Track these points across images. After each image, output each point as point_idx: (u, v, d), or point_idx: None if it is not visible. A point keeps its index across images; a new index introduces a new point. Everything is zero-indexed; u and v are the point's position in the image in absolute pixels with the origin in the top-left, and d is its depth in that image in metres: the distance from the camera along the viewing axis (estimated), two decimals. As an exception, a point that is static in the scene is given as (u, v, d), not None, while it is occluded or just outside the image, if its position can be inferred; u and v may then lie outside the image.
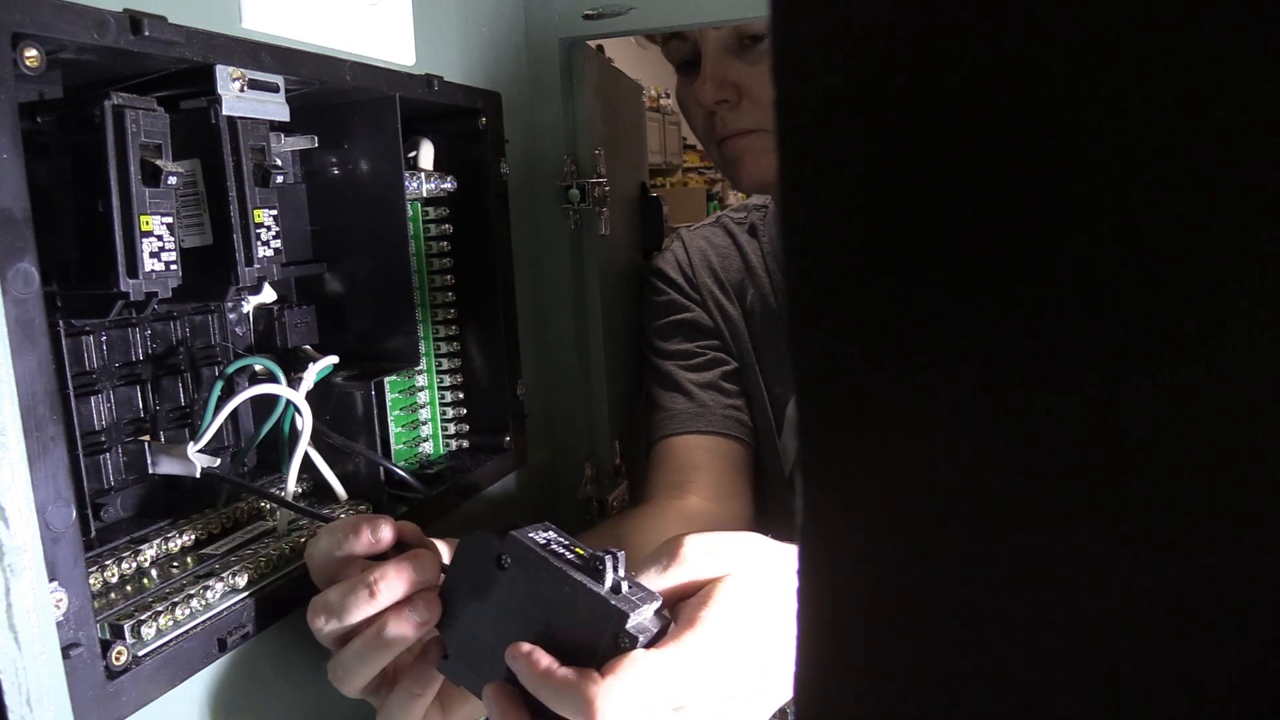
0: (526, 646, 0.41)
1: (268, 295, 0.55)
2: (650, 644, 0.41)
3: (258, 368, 0.52)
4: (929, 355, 0.15)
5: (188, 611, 0.42)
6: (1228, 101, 0.12)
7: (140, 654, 0.39)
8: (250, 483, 0.54)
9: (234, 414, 0.53)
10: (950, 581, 0.16)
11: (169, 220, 0.41)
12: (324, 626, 0.44)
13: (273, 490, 0.53)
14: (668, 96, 5.51)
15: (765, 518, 0.85)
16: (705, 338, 0.87)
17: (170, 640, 0.41)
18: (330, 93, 0.53)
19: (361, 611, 0.43)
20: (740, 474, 0.83)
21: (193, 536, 0.48)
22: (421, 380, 0.64)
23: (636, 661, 0.39)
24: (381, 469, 0.56)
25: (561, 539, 0.44)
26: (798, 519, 0.17)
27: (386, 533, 0.46)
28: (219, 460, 0.50)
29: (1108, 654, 0.15)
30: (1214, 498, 0.13)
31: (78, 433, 0.44)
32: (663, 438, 0.83)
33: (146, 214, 0.40)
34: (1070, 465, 0.14)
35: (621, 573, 0.42)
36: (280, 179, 0.49)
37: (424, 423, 0.64)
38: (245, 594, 0.45)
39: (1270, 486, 0.13)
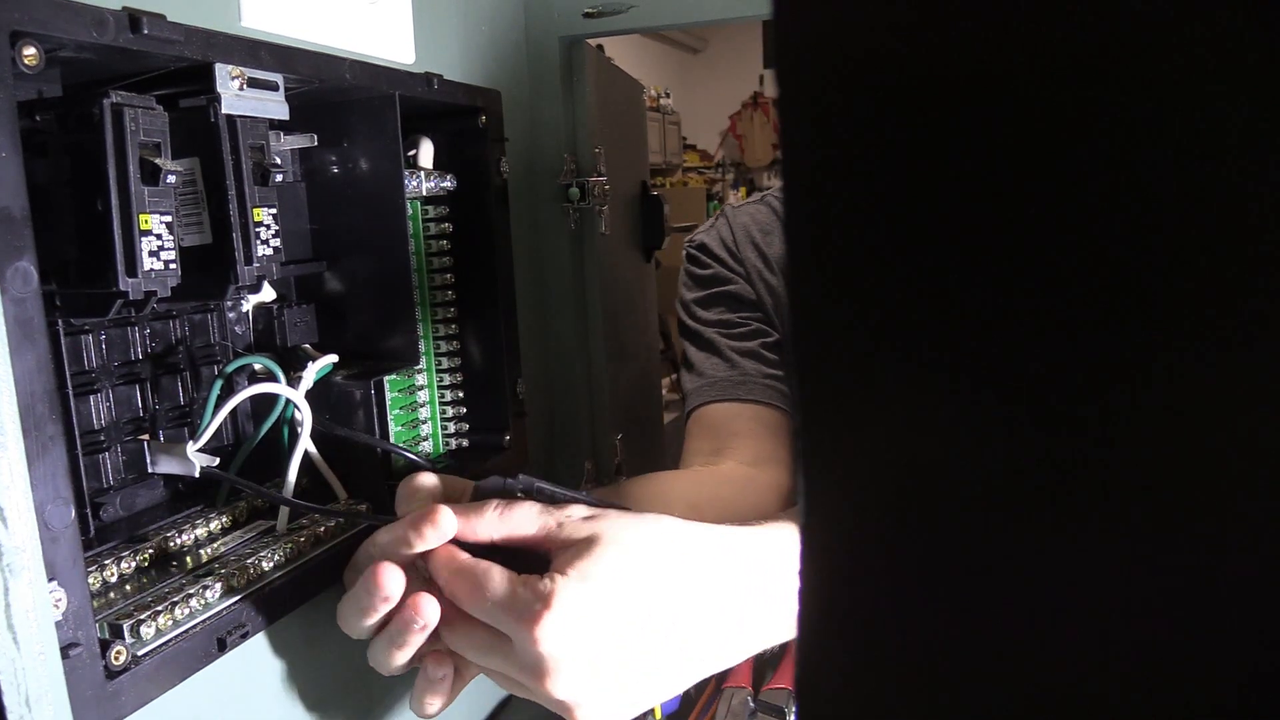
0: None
1: (267, 294, 0.55)
2: None
3: (257, 367, 0.52)
4: (928, 351, 0.15)
5: (187, 611, 0.42)
6: (1229, 105, 0.12)
7: (140, 654, 0.39)
8: (250, 481, 0.54)
9: (234, 413, 0.53)
10: (941, 570, 0.16)
11: (168, 219, 0.41)
12: (354, 633, 0.47)
13: (271, 490, 0.53)
14: (667, 96, 5.51)
15: None
16: (748, 309, 0.87)
17: (170, 640, 0.41)
18: (330, 91, 0.53)
19: (415, 642, 0.46)
20: (780, 441, 0.82)
21: (192, 536, 0.48)
22: (421, 379, 0.64)
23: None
24: (383, 465, 0.56)
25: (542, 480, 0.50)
26: (799, 499, 0.17)
27: (449, 525, 0.46)
28: (218, 459, 0.49)
29: (1097, 654, 0.15)
30: (1212, 500, 0.13)
31: (77, 432, 0.44)
32: (701, 404, 0.83)
33: (145, 213, 0.40)
34: (1065, 466, 0.14)
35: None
36: (280, 177, 0.49)
37: (424, 421, 0.64)
38: (245, 594, 0.45)
39: (1269, 489, 0.13)
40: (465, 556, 0.45)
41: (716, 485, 0.75)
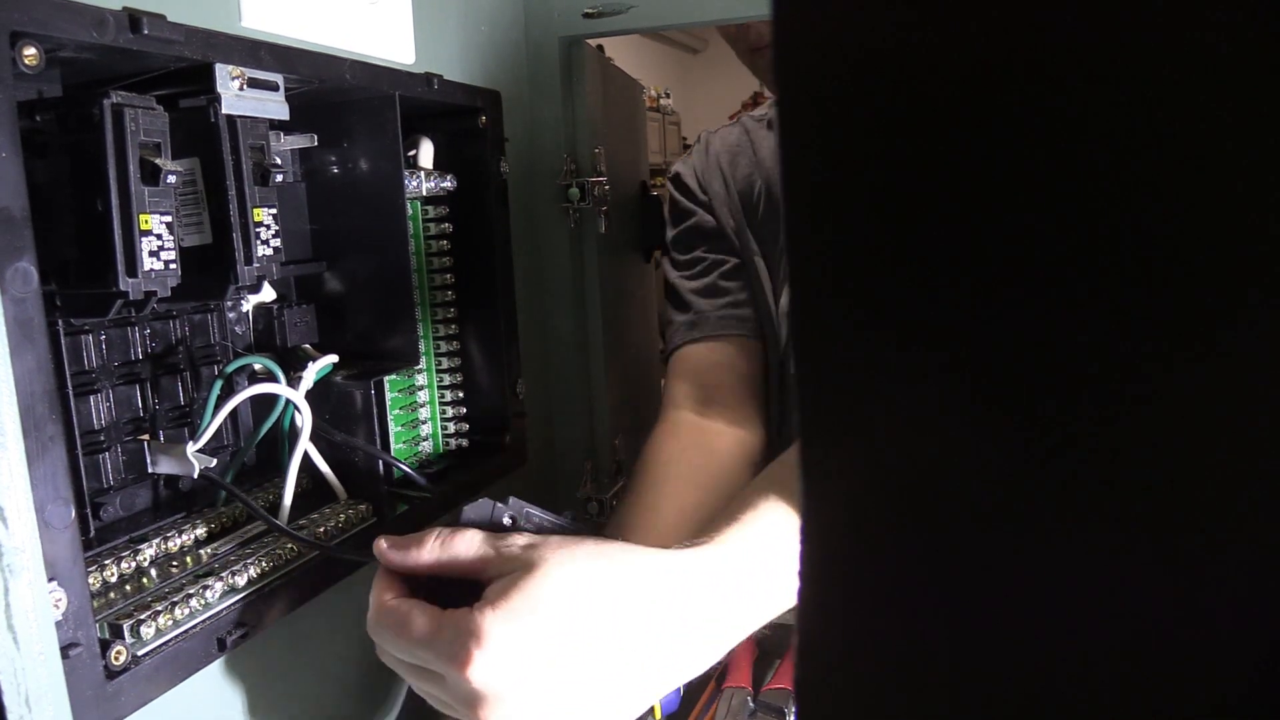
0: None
1: (267, 294, 0.55)
2: None
3: (257, 367, 0.52)
4: (928, 354, 0.15)
5: (187, 611, 0.42)
6: (1229, 105, 0.12)
7: (139, 654, 0.39)
8: (244, 488, 0.54)
9: (234, 413, 0.53)
10: (941, 571, 0.16)
11: (168, 219, 0.41)
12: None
13: (263, 496, 0.53)
14: (667, 96, 5.50)
15: (778, 415, 0.89)
16: (709, 240, 0.91)
17: (169, 640, 0.41)
18: (330, 91, 0.53)
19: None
20: (742, 378, 0.86)
21: (192, 536, 0.48)
22: (421, 379, 0.64)
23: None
24: (383, 466, 0.56)
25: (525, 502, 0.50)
26: (800, 482, 0.17)
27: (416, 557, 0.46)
28: (217, 460, 0.50)
29: (1097, 654, 0.15)
30: (1211, 501, 0.13)
31: (77, 432, 0.44)
32: (670, 351, 0.88)
33: (146, 213, 0.40)
34: (1065, 468, 0.14)
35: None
36: (280, 178, 0.49)
37: (424, 422, 0.64)
38: (245, 594, 0.45)
39: (1268, 490, 0.13)
40: (388, 598, 0.45)
41: (710, 478, 0.76)
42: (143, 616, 0.40)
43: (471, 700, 0.42)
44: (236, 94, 0.45)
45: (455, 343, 0.65)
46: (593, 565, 0.44)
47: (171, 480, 0.50)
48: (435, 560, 0.45)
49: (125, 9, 0.38)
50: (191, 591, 0.42)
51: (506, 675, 0.41)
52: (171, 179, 0.41)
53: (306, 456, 0.52)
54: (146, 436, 0.49)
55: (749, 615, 0.48)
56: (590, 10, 0.72)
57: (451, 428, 0.66)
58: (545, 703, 0.42)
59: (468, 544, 0.46)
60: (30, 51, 0.34)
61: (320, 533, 0.51)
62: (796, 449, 0.17)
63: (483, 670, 0.41)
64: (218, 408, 0.49)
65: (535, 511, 0.49)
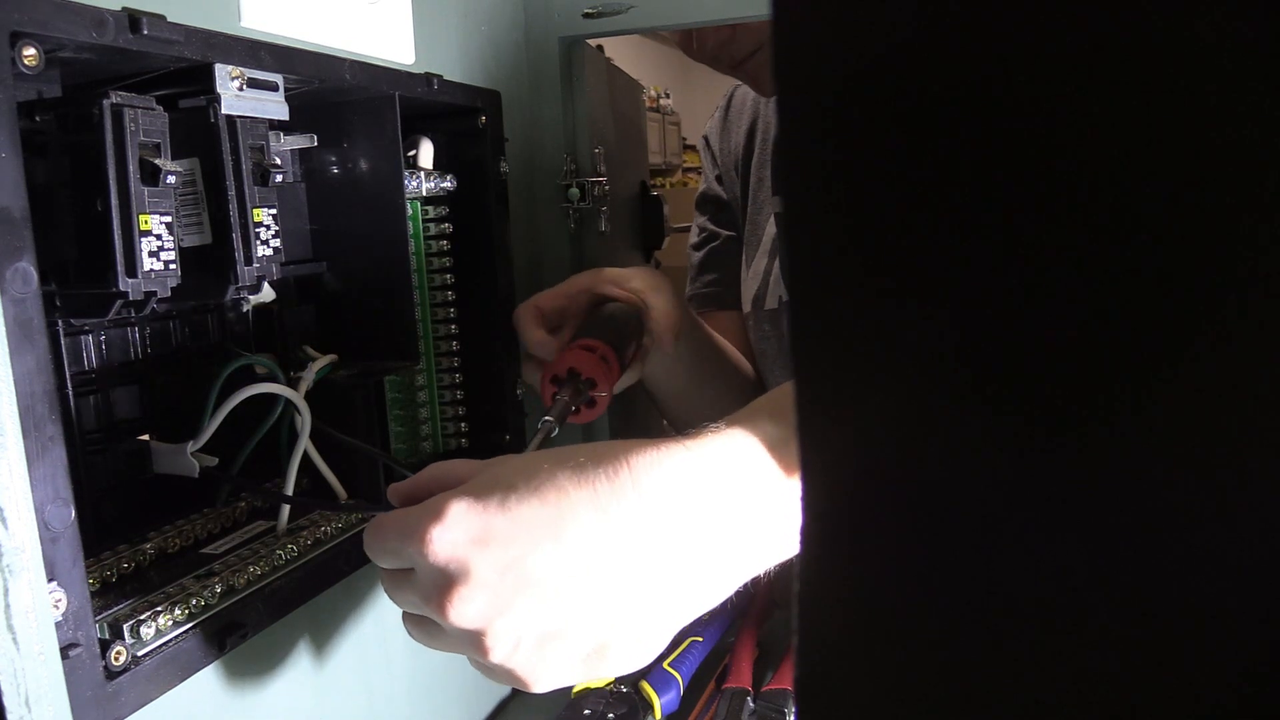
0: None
1: (267, 294, 0.55)
2: None
3: (257, 367, 0.52)
4: (927, 369, 0.15)
5: (187, 611, 0.42)
6: (1227, 114, 0.12)
7: (139, 654, 0.39)
8: (249, 481, 0.54)
9: (233, 413, 0.53)
10: (944, 574, 0.16)
11: (168, 219, 0.41)
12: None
13: (270, 489, 0.53)
14: (667, 96, 5.50)
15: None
16: (715, 209, 1.01)
17: (170, 640, 0.41)
18: (330, 91, 0.53)
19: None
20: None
21: (192, 536, 0.48)
22: (421, 379, 0.64)
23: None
24: (383, 466, 0.56)
25: None
26: (799, 478, 0.17)
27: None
28: (218, 459, 0.49)
29: (1099, 651, 0.15)
30: (1216, 502, 0.13)
31: (77, 432, 0.44)
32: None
33: (145, 213, 0.40)
34: (1066, 470, 0.14)
35: None
36: (279, 178, 0.49)
37: (424, 421, 0.64)
38: (245, 593, 0.45)
39: (1272, 492, 0.13)
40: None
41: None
42: (143, 616, 0.40)
43: (436, 586, 0.39)
44: (236, 94, 0.45)
45: (455, 343, 0.65)
46: (567, 451, 0.42)
47: (172, 480, 0.50)
48: (431, 478, 0.45)
49: (125, 9, 0.38)
50: (192, 591, 0.42)
51: (466, 549, 0.39)
52: (171, 179, 0.41)
53: (306, 456, 0.52)
54: (147, 436, 0.49)
55: (745, 508, 0.43)
56: (590, 10, 0.72)
57: (451, 428, 0.66)
58: (514, 589, 0.39)
59: (462, 463, 0.45)
60: (30, 52, 0.34)
61: (321, 533, 0.51)
62: (794, 418, 0.17)
63: (440, 544, 0.39)
64: (217, 408, 0.49)
65: None
